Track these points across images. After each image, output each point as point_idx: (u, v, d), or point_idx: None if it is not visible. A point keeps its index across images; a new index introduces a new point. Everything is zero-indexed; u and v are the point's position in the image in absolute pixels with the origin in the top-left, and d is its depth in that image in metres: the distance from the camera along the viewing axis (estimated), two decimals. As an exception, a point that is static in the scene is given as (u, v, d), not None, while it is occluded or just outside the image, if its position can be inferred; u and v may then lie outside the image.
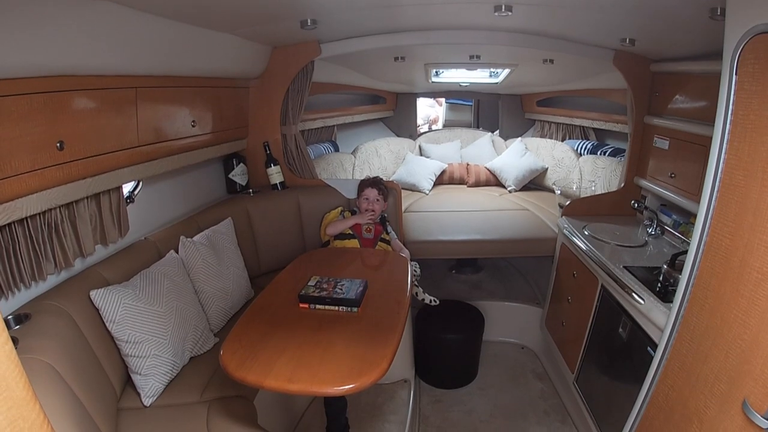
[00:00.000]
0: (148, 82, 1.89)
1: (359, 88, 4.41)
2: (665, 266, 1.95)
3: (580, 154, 3.96)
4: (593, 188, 3.32)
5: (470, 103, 7.56)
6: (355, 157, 4.17)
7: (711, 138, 1.94)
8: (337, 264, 2.26)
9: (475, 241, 3.06)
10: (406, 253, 2.57)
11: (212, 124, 2.49)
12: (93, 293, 1.64)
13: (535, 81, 4.27)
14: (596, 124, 3.93)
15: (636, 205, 2.65)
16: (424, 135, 5.28)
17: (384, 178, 4.33)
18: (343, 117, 4.36)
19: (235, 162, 2.90)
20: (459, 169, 4.62)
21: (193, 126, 2.28)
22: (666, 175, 2.50)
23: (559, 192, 3.32)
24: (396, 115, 5.41)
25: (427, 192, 4.25)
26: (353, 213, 2.67)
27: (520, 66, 3.58)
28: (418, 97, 5.53)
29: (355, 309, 1.71)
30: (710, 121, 2.17)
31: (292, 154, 2.91)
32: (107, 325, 1.66)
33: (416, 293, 2.50)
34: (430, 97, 6.16)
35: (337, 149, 4.15)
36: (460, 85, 4.76)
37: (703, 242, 1.41)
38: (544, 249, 3.01)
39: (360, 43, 2.66)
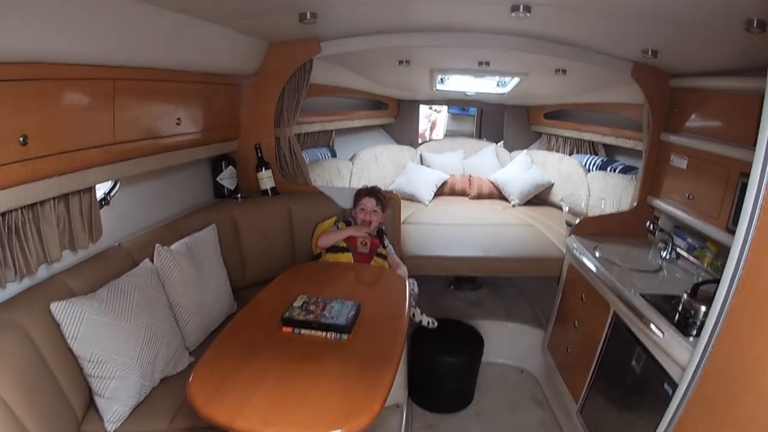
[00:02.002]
0: (127, 74, 1.74)
1: (360, 92, 4.30)
2: (686, 296, 1.82)
3: (589, 170, 3.84)
4: (602, 206, 3.20)
5: (473, 113, 7.50)
6: (353, 163, 4.04)
7: (735, 159, 1.85)
8: (327, 280, 2.12)
9: (476, 258, 2.93)
10: (403, 270, 2.43)
11: (199, 122, 2.35)
12: (53, 306, 1.49)
13: (544, 92, 4.16)
14: (606, 140, 3.81)
15: (651, 226, 2.53)
16: (425, 144, 5.17)
17: (382, 188, 4.27)
18: (342, 121, 4.23)
19: (224, 164, 2.76)
20: (461, 181, 4.49)
21: (177, 124, 2.14)
22: (683, 196, 2.38)
23: (567, 209, 3.20)
24: (397, 122, 5.30)
25: (427, 203, 4.12)
26: (348, 224, 2.53)
27: (530, 75, 3.47)
28: (421, 104, 5.44)
29: (345, 336, 1.56)
30: (734, 142, 2.11)
31: (286, 158, 2.78)
32: (68, 341, 1.52)
33: (413, 314, 2.35)
34: (434, 105, 6.04)
35: (334, 155, 4.02)
36: (466, 94, 4.66)
37: (738, 275, 1.27)
38: (550, 269, 2.88)
39: (362, 42, 2.54)
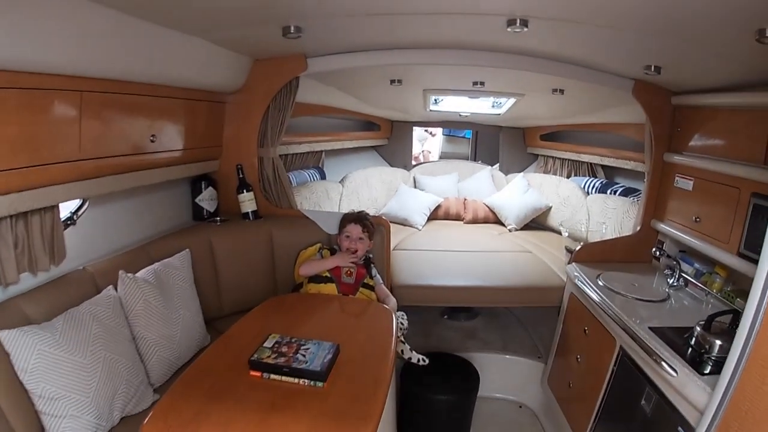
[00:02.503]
0: (97, 86, 1.63)
1: (352, 113, 4.23)
2: (699, 329, 1.69)
3: (588, 193, 3.75)
4: (603, 231, 3.09)
5: (468, 136, 7.47)
6: (343, 186, 3.93)
7: (745, 179, 1.75)
8: (307, 314, 1.96)
9: (471, 288, 2.79)
10: (392, 303, 2.29)
11: (177, 140, 2.24)
12: (3, 334, 1.35)
13: (541, 113, 4.11)
14: (606, 161, 3.74)
15: (658, 252, 2.41)
16: (419, 166, 5.09)
17: (374, 211, 4.16)
18: (332, 142, 4.14)
19: (203, 185, 2.64)
20: (455, 204, 4.39)
21: (152, 141, 2.02)
22: (689, 219, 2.27)
23: (566, 234, 3.09)
24: (390, 143, 5.24)
25: (420, 228, 4.01)
26: (333, 251, 2.40)
27: (526, 96, 3.41)
28: (415, 126, 5.38)
29: (320, 383, 1.39)
30: (743, 160, 2.02)
31: (269, 180, 2.66)
32: (18, 374, 1.37)
33: (401, 351, 2.20)
34: (427, 127, 5.98)
35: (323, 177, 3.92)
36: (460, 115, 4.60)
37: (763, 307, 1.15)
38: (550, 299, 2.74)
39: (351, 59, 2.46)
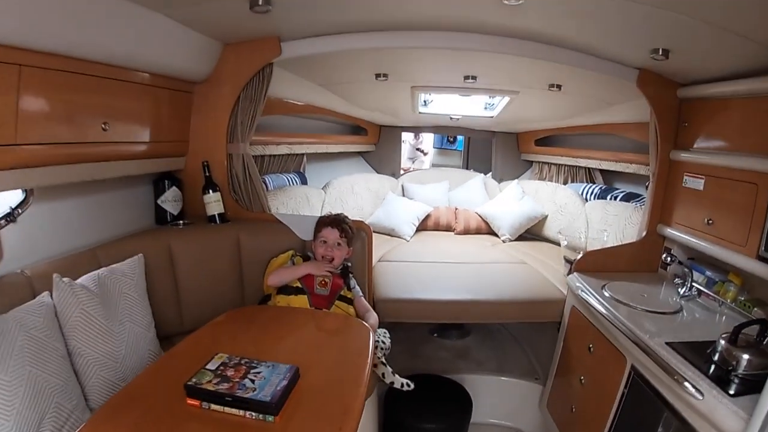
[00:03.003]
0: (39, 61, 1.42)
1: (337, 114, 4.04)
2: (723, 342, 1.49)
3: (586, 199, 3.57)
4: (605, 239, 2.89)
5: (460, 148, 7.36)
6: (325, 192, 3.72)
7: (765, 173, 1.58)
8: (268, 331, 1.71)
9: (463, 303, 2.56)
10: (372, 319, 2.06)
11: (135, 131, 2.03)
12: None
13: (536, 115, 3.93)
14: (604, 165, 3.57)
15: (669, 259, 2.22)
16: (408, 174, 4.90)
17: (359, 219, 3.95)
18: (315, 145, 3.94)
19: (166, 184, 2.41)
20: (446, 214, 4.20)
21: (104, 130, 1.80)
22: (700, 222, 2.09)
23: (565, 243, 2.89)
24: (378, 149, 5.06)
25: (408, 239, 3.80)
26: (307, 259, 2.17)
27: (521, 94, 3.23)
28: (404, 131, 5.22)
29: (270, 418, 1.14)
30: (761, 153, 1.84)
31: (239, 179, 2.44)
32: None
33: (382, 374, 1.96)
34: (417, 132, 5.80)
35: (304, 182, 3.70)
36: (451, 118, 4.43)
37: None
38: (548, 313, 2.53)
39: (329, 42, 2.26)
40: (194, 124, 2.45)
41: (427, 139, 7.23)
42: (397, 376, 1.95)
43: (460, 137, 6.95)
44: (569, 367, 2.33)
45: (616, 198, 3.28)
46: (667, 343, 1.59)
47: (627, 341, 1.75)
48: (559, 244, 3.54)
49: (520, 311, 2.56)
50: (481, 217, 4.12)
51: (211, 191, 2.38)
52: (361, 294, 2.17)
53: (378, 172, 4.90)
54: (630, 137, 3.15)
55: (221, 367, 1.26)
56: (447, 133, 6.36)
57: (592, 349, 2.07)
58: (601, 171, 3.81)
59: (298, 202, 3.27)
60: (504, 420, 2.86)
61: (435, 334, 3.28)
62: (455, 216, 4.18)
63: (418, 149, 7.11)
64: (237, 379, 1.21)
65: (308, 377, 1.32)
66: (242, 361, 1.30)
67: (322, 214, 2.25)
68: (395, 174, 4.90)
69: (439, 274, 2.90)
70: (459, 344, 3.21)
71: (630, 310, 1.93)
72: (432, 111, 4.24)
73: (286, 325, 1.75)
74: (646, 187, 3.27)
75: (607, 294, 2.09)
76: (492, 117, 4.15)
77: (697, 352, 1.54)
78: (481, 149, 5.61)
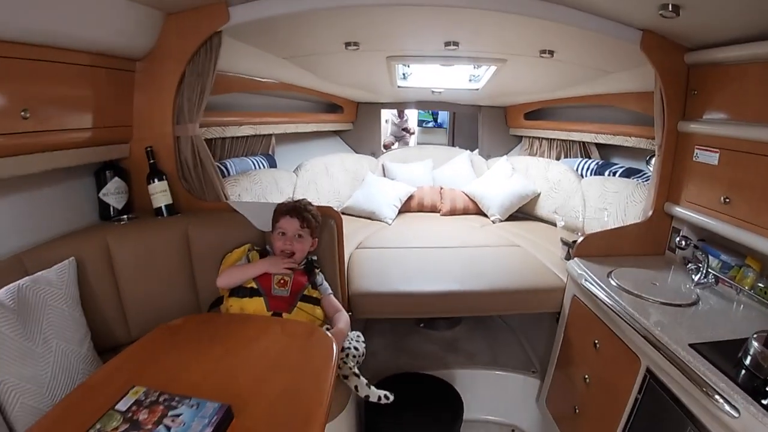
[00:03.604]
0: None
1: (308, 91, 3.75)
2: (757, 344, 1.28)
3: (582, 176, 3.35)
4: (605, 218, 2.68)
5: (445, 126, 7.11)
6: (297, 175, 3.43)
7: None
8: (203, 350, 1.42)
9: (450, 294, 2.33)
10: (343, 321, 1.80)
11: (67, 118, 1.75)
12: None
13: (525, 86, 3.67)
14: (601, 139, 3.34)
15: (684, 243, 2.00)
16: (389, 153, 4.63)
17: (337, 205, 3.68)
18: (284, 125, 3.64)
19: (108, 176, 2.13)
20: (431, 194, 3.95)
21: (24, 118, 1.53)
22: (715, 200, 1.88)
23: (562, 223, 2.67)
24: (356, 128, 4.77)
25: (390, 222, 3.55)
26: (265, 254, 1.91)
27: (509, 62, 2.96)
28: (384, 107, 4.93)
29: None
30: None
31: (188, 165, 2.16)
32: None
33: (355, 387, 1.73)
34: (398, 108, 5.49)
35: (273, 165, 3.41)
36: (433, 92, 4.15)
37: None
38: (547, 303, 2.32)
39: (284, 3, 1.97)
40: (138, 106, 2.15)
41: (412, 117, 6.94)
42: (373, 388, 1.70)
43: (443, 113, 6.70)
44: (571, 363, 2.13)
45: (614, 174, 3.06)
46: (691, 345, 1.38)
47: (641, 340, 1.54)
48: (553, 224, 3.34)
49: (516, 302, 2.34)
50: (468, 196, 3.89)
51: (156, 180, 2.09)
52: (330, 291, 1.92)
53: (357, 152, 4.63)
54: (630, 108, 2.92)
55: (134, 407, 1.01)
56: (430, 109, 6.09)
57: (598, 346, 1.86)
58: (597, 145, 3.59)
59: (265, 188, 2.98)
60: (499, 417, 2.68)
61: (421, 325, 3.07)
62: (440, 196, 3.94)
63: (404, 129, 6.78)
64: (149, 426, 0.96)
65: (247, 414, 1.07)
66: (161, 398, 1.05)
67: (281, 201, 1.98)
68: (375, 153, 4.63)
69: (423, 262, 2.67)
70: (448, 335, 3.00)
71: (641, 302, 1.72)
72: (412, 84, 3.95)
73: (230, 340, 1.47)
74: (647, 162, 3.08)
75: (613, 283, 1.87)
76: (477, 90, 3.88)
77: (725, 356, 1.33)
78: (467, 125, 5.36)
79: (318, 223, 1.93)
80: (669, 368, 1.40)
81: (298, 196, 3.30)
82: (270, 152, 3.51)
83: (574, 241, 2.55)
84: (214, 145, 2.96)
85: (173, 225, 1.98)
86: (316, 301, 1.83)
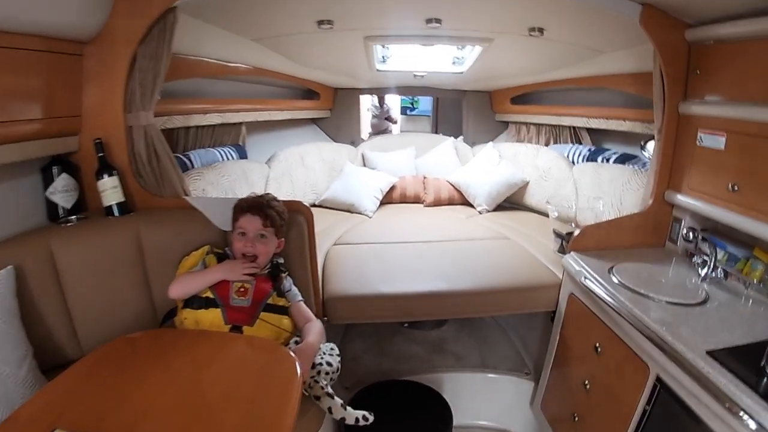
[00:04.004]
0: None
1: (281, 76, 3.54)
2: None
3: (574, 162, 3.22)
4: (600, 208, 2.55)
5: (428, 113, 6.96)
6: (270, 167, 3.23)
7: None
8: (146, 379, 1.22)
9: (436, 295, 2.17)
10: (312, 335, 1.60)
11: (8, 108, 1.57)
12: None
13: (512, 68, 3.51)
14: (593, 123, 3.21)
15: (691, 234, 1.87)
16: (369, 141, 4.44)
17: (314, 198, 3.50)
18: (255, 113, 3.43)
19: (55, 172, 1.91)
20: (413, 184, 3.79)
21: None
22: (722, 188, 1.76)
23: (555, 214, 2.53)
24: (334, 115, 4.57)
25: (371, 215, 3.38)
26: (224, 258, 1.72)
27: (495, 42, 2.79)
28: (363, 93, 4.74)
29: None
30: None
31: (142, 158, 1.95)
32: None
33: (329, 408, 1.55)
34: (379, 93, 5.28)
35: (243, 156, 3.20)
36: (415, 76, 3.97)
37: None
38: (541, 302, 2.19)
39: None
40: (87, 94, 1.94)
41: (394, 105, 6.74)
42: (349, 409, 1.52)
43: (423, 98, 6.55)
44: (569, 367, 2.00)
45: (608, 160, 2.94)
46: (708, 353, 1.25)
47: (650, 345, 1.41)
48: (543, 214, 3.21)
49: (507, 302, 2.20)
50: (453, 185, 3.74)
51: (105, 176, 1.88)
52: (299, 298, 1.73)
53: (336, 141, 4.45)
54: (625, 91, 2.79)
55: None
56: (412, 95, 5.91)
57: (599, 349, 1.73)
58: (589, 131, 3.45)
59: (234, 181, 2.77)
60: (491, 421, 2.55)
61: (405, 325, 2.92)
62: (424, 186, 3.79)
63: (387, 118, 6.54)
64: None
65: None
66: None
67: (242, 197, 1.78)
68: (355, 142, 4.44)
69: (406, 258, 2.50)
70: (434, 335, 2.86)
71: (647, 301, 1.58)
72: (392, 68, 3.77)
73: (175, 365, 1.29)
74: (642, 147, 2.96)
75: (615, 280, 1.74)
76: (462, 73, 3.71)
77: (746, 364, 1.21)
78: (452, 112, 5.20)
79: (284, 220, 1.74)
80: (683, 378, 1.27)
81: (271, 189, 3.14)
82: (240, 143, 3.30)
83: (568, 233, 2.43)
84: (177, 135, 2.75)
85: (124, 226, 1.78)
86: (283, 310, 1.65)
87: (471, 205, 3.63)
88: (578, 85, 3.26)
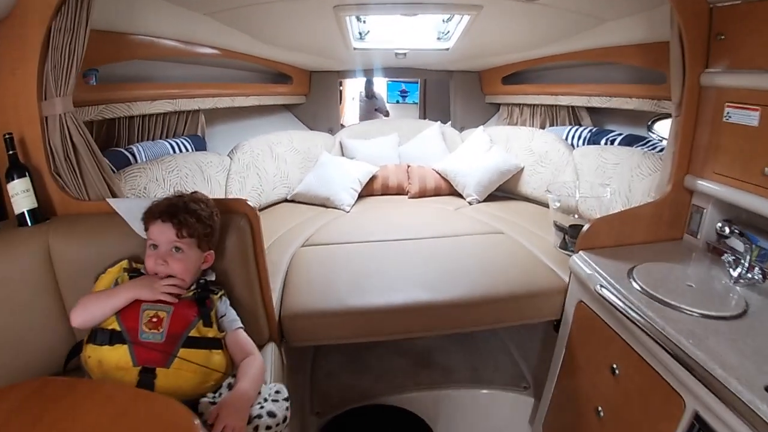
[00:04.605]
0: None
1: (245, 57, 3.21)
2: None
3: (573, 145, 2.95)
4: (607, 196, 2.27)
5: (416, 101, 6.68)
6: (231, 159, 2.91)
7: None
8: None
9: (419, 308, 1.85)
10: (250, 375, 1.29)
11: None
12: None
13: (503, 41, 3.19)
14: (594, 102, 2.93)
15: (726, 229, 1.59)
16: (347, 128, 4.13)
17: (286, 192, 3.19)
18: (214, 99, 3.09)
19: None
20: (396, 173, 3.50)
21: None
22: (755, 171, 1.51)
23: (557, 204, 2.25)
24: (309, 101, 4.25)
25: (348, 209, 3.08)
26: (136, 275, 1.39)
27: (484, 9, 2.48)
28: (344, 77, 4.42)
29: None
30: None
31: (58, 153, 1.63)
32: None
33: None
34: (355, 76, 4.96)
35: (201, 147, 2.86)
36: (396, 55, 3.66)
37: None
38: (544, 310, 1.91)
39: None
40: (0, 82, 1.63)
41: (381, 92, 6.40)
42: None
43: (411, 88, 6.26)
44: (577, 387, 1.74)
45: (612, 142, 2.66)
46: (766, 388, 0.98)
47: (686, 375, 1.14)
48: (540, 204, 2.95)
49: (503, 313, 1.91)
50: (440, 174, 3.45)
51: (15, 177, 1.57)
52: (238, 325, 1.41)
53: (312, 130, 4.13)
54: (632, 64, 2.52)
55: None
56: (395, 77, 5.59)
57: (617, 372, 1.46)
58: (590, 111, 3.17)
59: (185, 177, 2.43)
60: (483, 441, 2.30)
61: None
62: (408, 175, 3.50)
63: (377, 110, 6.11)
64: None
65: None
66: None
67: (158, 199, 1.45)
68: (333, 130, 4.13)
69: (384, 261, 2.18)
70: (419, 345, 2.59)
71: (679, 314, 1.31)
72: (371, 46, 3.45)
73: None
74: (648, 127, 2.70)
75: (636, 286, 1.47)
76: (448, 50, 3.40)
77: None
78: (439, 98, 4.89)
79: (212, 227, 1.41)
80: (734, 421, 1.00)
81: (234, 185, 2.82)
82: (198, 132, 2.97)
83: (571, 226, 2.17)
84: (118, 126, 2.42)
85: (32, 237, 1.46)
86: (214, 344, 1.31)
87: (460, 195, 3.35)
88: (576, 60, 2.97)
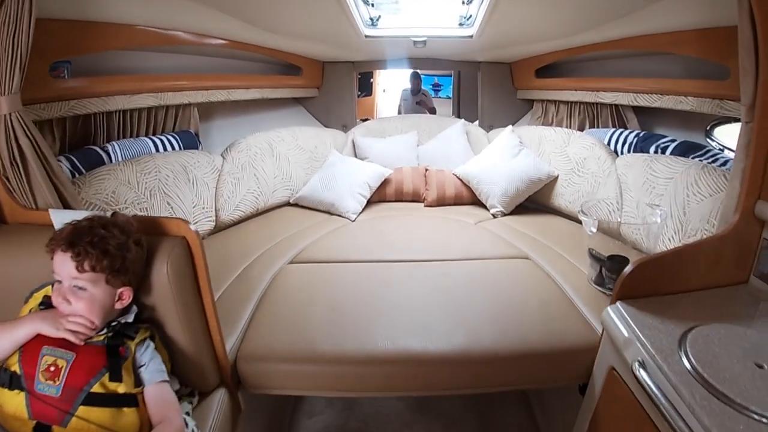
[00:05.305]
0: None
1: (246, 46, 2.94)
2: None
3: (617, 153, 2.55)
4: (657, 220, 1.89)
5: (450, 96, 6.34)
6: (225, 158, 2.65)
7: None
8: None
9: (409, 359, 1.52)
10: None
11: None
12: None
13: (534, 27, 2.77)
14: (642, 100, 2.52)
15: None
16: (362, 125, 3.82)
17: (288, 195, 2.92)
18: (210, 91, 2.83)
19: None
20: (412, 177, 3.18)
21: None
22: None
23: (594, 228, 1.87)
24: (322, 95, 3.97)
25: (353, 217, 2.78)
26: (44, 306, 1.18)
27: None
28: (362, 69, 4.12)
29: None
30: None
31: (3, 157, 1.41)
32: None
33: None
34: (373, 69, 4.60)
35: (191, 145, 2.60)
36: (415, 43, 3.32)
37: None
38: (571, 373, 1.56)
39: None
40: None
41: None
42: None
43: (445, 81, 5.89)
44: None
45: (664, 150, 2.25)
46: None
47: None
48: (575, 220, 2.57)
49: (519, 375, 1.55)
50: (461, 180, 3.11)
51: (-49, 182, 1.35)
52: (160, 378, 1.17)
53: (326, 126, 3.86)
54: (690, 54, 2.12)
55: None
56: (416, 68, 5.20)
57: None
58: (637, 111, 2.76)
59: (166, 180, 2.14)
60: None
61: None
62: (425, 179, 3.17)
63: (419, 103, 5.71)
64: None
65: None
66: None
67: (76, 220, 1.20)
68: (347, 126, 3.84)
69: (376, 291, 1.85)
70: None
71: (746, 420, 0.95)
72: (384, 33, 3.13)
73: None
74: (707, 134, 2.29)
75: (688, 364, 1.10)
76: (471, 36, 3.04)
77: None
78: (473, 90, 4.52)
79: (124, 258, 1.14)
80: None
81: (226, 187, 2.55)
82: (190, 128, 2.72)
83: (610, 257, 1.81)
84: (95, 122, 2.18)
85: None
86: (126, 401, 1.09)
87: (483, 205, 3.01)
88: (622, 49, 2.56)
